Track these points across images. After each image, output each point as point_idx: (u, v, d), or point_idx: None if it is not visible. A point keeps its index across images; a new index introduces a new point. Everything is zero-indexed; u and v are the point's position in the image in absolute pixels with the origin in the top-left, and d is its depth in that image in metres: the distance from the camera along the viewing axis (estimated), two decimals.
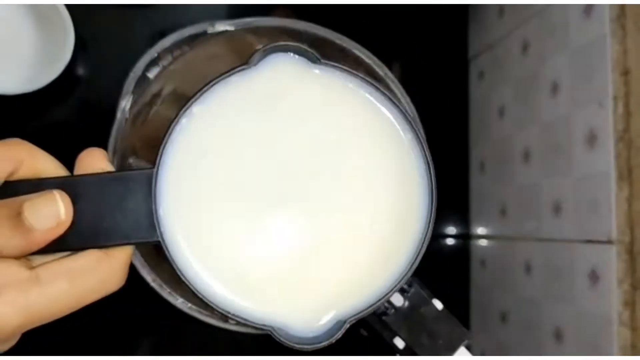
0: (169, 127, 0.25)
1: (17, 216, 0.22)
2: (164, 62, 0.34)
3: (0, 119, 0.56)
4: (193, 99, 0.25)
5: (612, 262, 0.44)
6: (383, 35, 0.65)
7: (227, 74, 0.26)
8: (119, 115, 0.32)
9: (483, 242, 0.66)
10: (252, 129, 0.26)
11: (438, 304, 0.34)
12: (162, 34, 0.35)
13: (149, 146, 0.40)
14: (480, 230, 0.66)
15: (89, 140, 0.57)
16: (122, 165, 0.34)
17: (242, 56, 0.40)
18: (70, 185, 0.24)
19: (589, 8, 0.48)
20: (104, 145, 0.32)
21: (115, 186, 0.24)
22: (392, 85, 0.35)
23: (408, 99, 0.35)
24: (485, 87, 0.66)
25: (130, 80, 0.34)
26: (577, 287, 0.48)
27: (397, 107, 0.27)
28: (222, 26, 0.33)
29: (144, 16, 0.59)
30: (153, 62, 0.34)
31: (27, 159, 0.24)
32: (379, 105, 0.27)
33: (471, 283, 0.67)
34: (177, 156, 0.25)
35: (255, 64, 0.26)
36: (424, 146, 0.27)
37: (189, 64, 0.36)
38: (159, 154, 0.25)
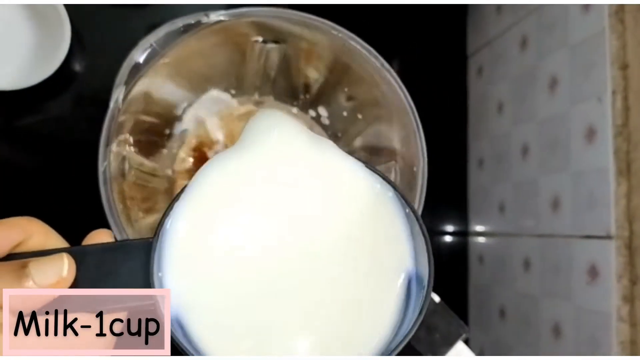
0: (173, 199, 0.26)
1: (21, 269, 0.23)
2: (157, 52, 0.33)
3: None
4: (193, 179, 0.26)
5: (611, 257, 0.43)
6: (382, 32, 0.65)
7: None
8: (112, 105, 0.32)
9: (481, 239, 0.65)
10: (249, 198, 0.26)
11: (435, 297, 0.34)
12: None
13: (142, 139, 0.40)
14: (479, 227, 0.66)
15: (85, 135, 0.57)
16: (116, 157, 0.34)
17: (237, 46, 0.40)
18: (73, 253, 0.25)
19: (587, 3, 0.48)
20: (98, 136, 0.32)
21: (114, 253, 0.25)
22: (388, 76, 0.35)
23: (405, 90, 0.35)
24: (484, 83, 0.66)
25: (124, 70, 0.33)
26: (576, 283, 0.48)
27: (390, 183, 0.27)
28: (216, 16, 0.32)
29: (140, 12, 0.58)
30: (146, 52, 0.34)
31: (37, 233, 0.25)
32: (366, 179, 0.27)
33: (469, 279, 0.67)
34: (178, 224, 0.25)
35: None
36: (420, 223, 0.26)
37: (183, 54, 0.35)
38: (160, 222, 0.25)
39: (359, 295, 0.26)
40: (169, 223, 0.25)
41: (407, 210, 0.27)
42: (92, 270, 0.25)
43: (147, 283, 0.25)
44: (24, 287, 0.23)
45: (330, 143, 0.27)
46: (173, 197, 0.26)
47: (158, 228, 0.25)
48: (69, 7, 0.51)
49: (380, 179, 0.27)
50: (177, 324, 0.25)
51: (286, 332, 0.26)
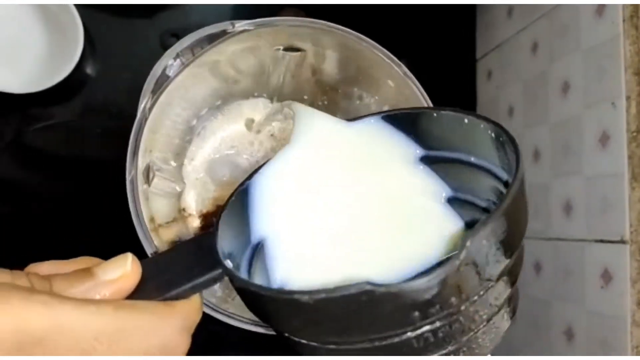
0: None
1: (86, 271, 0.23)
2: (184, 61, 0.34)
3: (10, 117, 0.56)
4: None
5: (625, 262, 0.44)
6: (391, 34, 0.65)
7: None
8: (139, 114, 0.32)
9: None
10: (311, 172, 0.31)
11: None
12: (171, 35, 0.35)
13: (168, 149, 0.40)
14: None
15: (98, 139, 0.57)
16: (144, 164, 0.34)
17: (260, 54, 0.40)
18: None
19: (600, 8, 0.48)
20: (122, 144, 0.32)
21: (177, 252, 0.27)
22: (410, 83, 0.35)
23: (426, 95, 0.35)
24: (494, 87, 0.66)
25: (150, 79, 0.34)
26: (589, 287, 0.48)
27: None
28: (242, 26, 0.33)
29: (153, 16, 0.58)
30: (172, 62, 0.34)
31: None
32: None
33: None
34: (262, 179, 0.30)
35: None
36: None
37: (208, 62, 0.35)
38: (221, 213, 0.27)
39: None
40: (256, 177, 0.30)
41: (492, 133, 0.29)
42: (157, 267, 0.25)
43: (215, 263, 0.25)
44: (88, 285, 0.23)
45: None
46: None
47: (237, 189, 0.28)
48: (80, 10, 0.51)
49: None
50: (251, 254, 0.28)
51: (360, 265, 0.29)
